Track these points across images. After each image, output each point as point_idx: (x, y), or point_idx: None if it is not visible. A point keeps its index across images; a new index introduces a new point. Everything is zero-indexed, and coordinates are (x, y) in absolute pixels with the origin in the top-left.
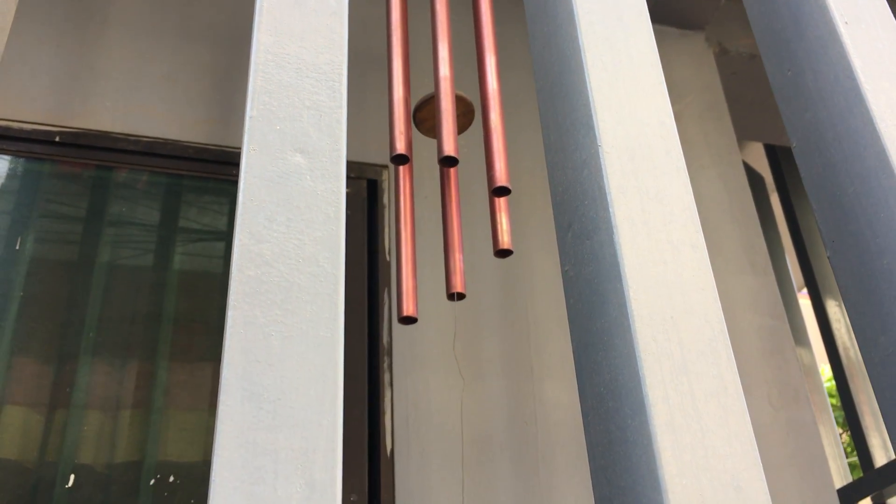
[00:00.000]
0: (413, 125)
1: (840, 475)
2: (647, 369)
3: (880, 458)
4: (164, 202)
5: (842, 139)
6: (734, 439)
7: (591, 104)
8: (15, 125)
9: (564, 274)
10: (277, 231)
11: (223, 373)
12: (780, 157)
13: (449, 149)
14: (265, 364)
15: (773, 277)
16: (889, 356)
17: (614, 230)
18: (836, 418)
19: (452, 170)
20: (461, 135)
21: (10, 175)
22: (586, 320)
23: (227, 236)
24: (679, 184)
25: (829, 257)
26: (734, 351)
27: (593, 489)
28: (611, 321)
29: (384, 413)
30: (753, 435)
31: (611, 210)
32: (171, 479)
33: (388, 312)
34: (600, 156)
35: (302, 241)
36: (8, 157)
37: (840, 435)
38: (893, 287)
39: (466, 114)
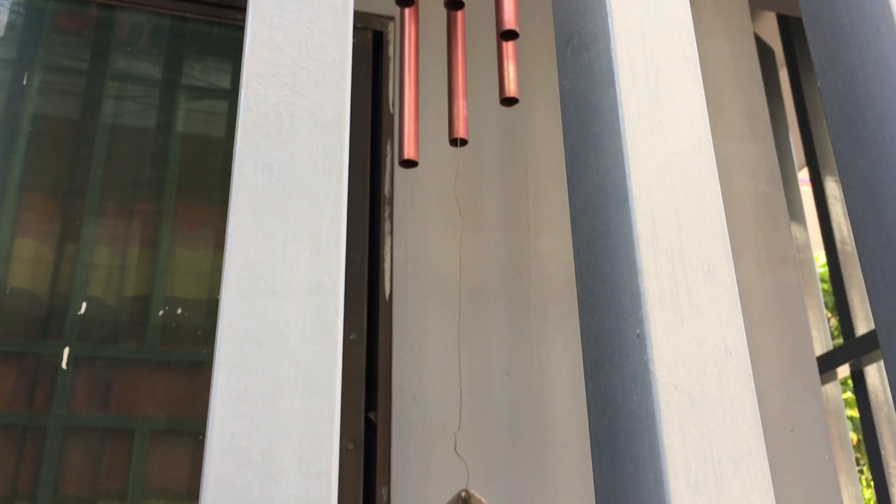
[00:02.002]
0: None
1: (822, 347)
2: (632, 166)
3: (862, 331)
4: (168, 44)
5: None
6: (708, 232)
7: None
8: None
9: (562, 88)
10: (288, 20)
11: (237, 144)
12: (791, 31)
13: None
14: (276, 139)
15: (772, 145)
16: (865, 178)
17: (611, 40)
18: (825, 303)
19: (459, 15)
20: None
21: (14, 9)
22: (580, 129)
23: (233, 83)
24: None
25: (819, 87)
26: (728, 215)
27: (577, 282)
28: (602, 126)
29: (384, 259)
30: (726, 227)
31: (609, 21)
32: (179, 311)
33: (389, 163)
34: None
35: (311, 30)
36: None
37: (828, 319)
38: (875, 111)
39: None
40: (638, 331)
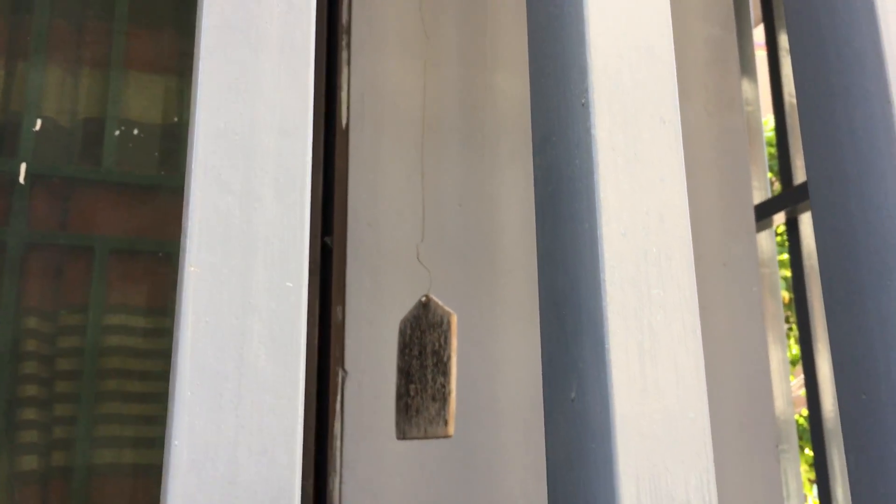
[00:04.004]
0: None
1: (762, 198)
2: None
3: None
4: None
5: None
6: (652, 10)
7: None
8: None
9: None
10: None
11: None
12: None
13: None
14: None
15: None
16: (812, 22)
17: None
18: (770, 167)
19: None
20: None
21: None
22: None
23: None
24: None
25: None
26: (678, 57)
27: (530, 68)
28: None
29: (341, 88)
30: (669, 6)
31: None
32: (136, 132)
33: None
34: None
35: None
36: None
37: (772, 183)
38: None
39: None
40: (583, 100)
